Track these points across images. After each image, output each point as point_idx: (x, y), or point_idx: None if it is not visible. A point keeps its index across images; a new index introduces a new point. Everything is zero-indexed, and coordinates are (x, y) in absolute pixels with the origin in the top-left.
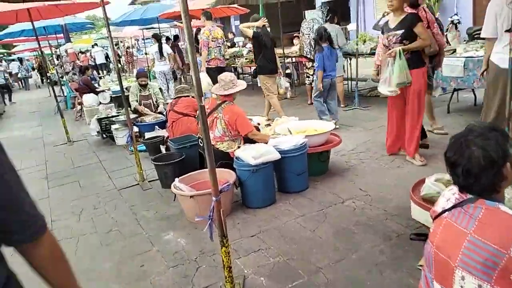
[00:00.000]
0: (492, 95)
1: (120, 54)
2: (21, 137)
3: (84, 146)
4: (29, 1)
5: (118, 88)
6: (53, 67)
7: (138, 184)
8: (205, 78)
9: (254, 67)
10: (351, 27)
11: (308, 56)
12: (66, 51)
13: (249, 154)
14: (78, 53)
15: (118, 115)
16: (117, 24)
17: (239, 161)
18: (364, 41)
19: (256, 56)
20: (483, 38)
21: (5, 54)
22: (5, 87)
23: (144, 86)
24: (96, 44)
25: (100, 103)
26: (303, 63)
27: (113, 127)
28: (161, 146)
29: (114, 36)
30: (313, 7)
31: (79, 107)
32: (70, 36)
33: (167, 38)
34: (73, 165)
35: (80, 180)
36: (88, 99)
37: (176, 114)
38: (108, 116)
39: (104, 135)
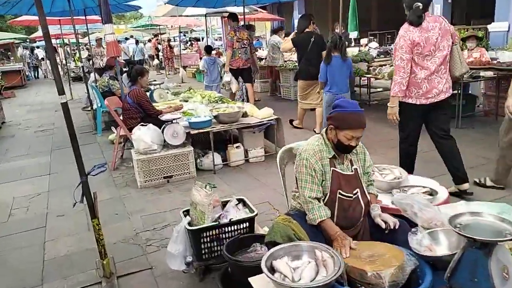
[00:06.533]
0: None
1: (158, 49)
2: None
3: None
4: None
5: (203, 115)
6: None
7: None
8: (232, 79)
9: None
10: (495, 26)
11: None
12: (97, 39)
13: None
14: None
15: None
16: (177, 3)
17: None
18: None
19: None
20: None
21: (26, 40)
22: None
23: None
24: (132, 36)
25: (165, 143)
26: None
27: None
28: None
29: (156, 23)
30: None
31: (120, 140)
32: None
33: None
34: None
35: None
36: (142, 135)
37: None
38: (220, 224)
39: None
